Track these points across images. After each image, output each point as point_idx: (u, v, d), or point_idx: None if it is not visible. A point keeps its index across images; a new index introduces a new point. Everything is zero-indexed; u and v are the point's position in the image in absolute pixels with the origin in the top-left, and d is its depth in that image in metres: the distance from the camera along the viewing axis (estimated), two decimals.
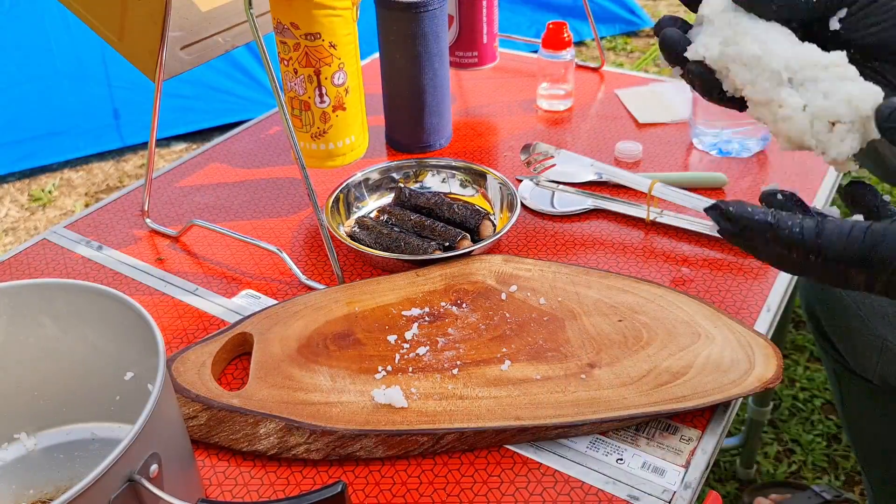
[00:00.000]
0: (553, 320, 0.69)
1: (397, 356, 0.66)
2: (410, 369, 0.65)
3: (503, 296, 0.72)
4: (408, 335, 0.68)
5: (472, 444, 0.60)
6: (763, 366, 0.63)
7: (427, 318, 0.70)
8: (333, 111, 0.82)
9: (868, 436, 1.04)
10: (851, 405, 1.04)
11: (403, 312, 0.71)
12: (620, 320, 0.68)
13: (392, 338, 0.68)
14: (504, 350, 0.66)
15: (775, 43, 0.43)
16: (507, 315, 0.70)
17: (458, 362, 0.65)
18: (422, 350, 0.67)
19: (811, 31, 0.46)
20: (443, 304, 0.72)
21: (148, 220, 0.90)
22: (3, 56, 2.27)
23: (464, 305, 0.71)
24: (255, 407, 0.61)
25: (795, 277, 0.79)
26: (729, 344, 0.66)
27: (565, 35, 1.07)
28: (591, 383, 0.63)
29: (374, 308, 0.72)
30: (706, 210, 0.43)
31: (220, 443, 0.61)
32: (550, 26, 1.07)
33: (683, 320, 0.68)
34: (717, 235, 0.82)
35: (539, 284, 0.73)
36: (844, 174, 1.35)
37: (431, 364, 0.65)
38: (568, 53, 1.07)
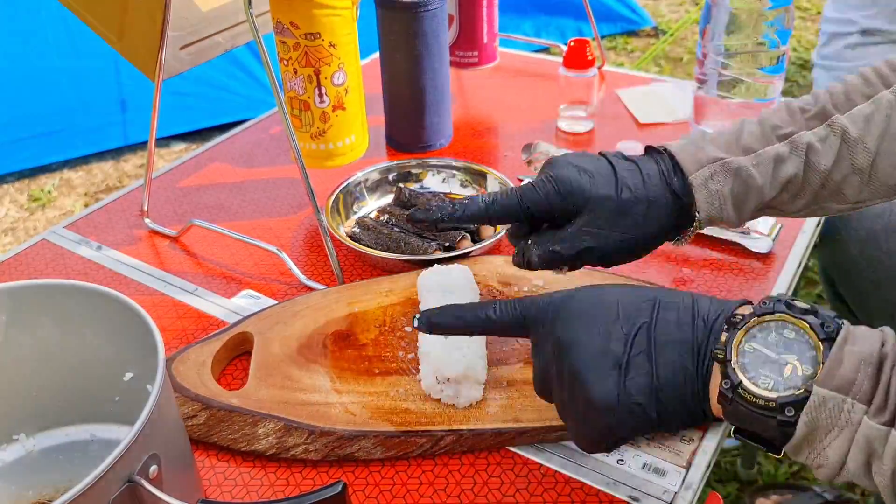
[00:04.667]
0: None
1: (397, 357, 0.66)
2: (411, 370, 0.65)
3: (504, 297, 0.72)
4: (408, 336, 0.68)
5: (471, 445, 0.60)
6: None
7: None
8: (333, 111, 0.82)
9: None
10: None
11: (404, 313, 0.71)
12: None
13: (392, 339, 0.68)
14: (504, 350, 0.66)
15: None
16: None
17: None
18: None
19: None
20: None
21: (147, 221, 0.90)
22: (1, 56, 2.27)
23: None
24: (254, 407, 0.61)
25: (796, 278, 0.79)
26: None
27: (588, 54, 1.01)
28: None
29: (375, 308, 0.71)
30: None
31: (218, 442, 0.61)
32: (572, 44, 1.01)
33: None
34: (721, 237, 0.82)
35: (539, 286, 0.73)
36: None
37: None
38: (591, 72, 1.02)
